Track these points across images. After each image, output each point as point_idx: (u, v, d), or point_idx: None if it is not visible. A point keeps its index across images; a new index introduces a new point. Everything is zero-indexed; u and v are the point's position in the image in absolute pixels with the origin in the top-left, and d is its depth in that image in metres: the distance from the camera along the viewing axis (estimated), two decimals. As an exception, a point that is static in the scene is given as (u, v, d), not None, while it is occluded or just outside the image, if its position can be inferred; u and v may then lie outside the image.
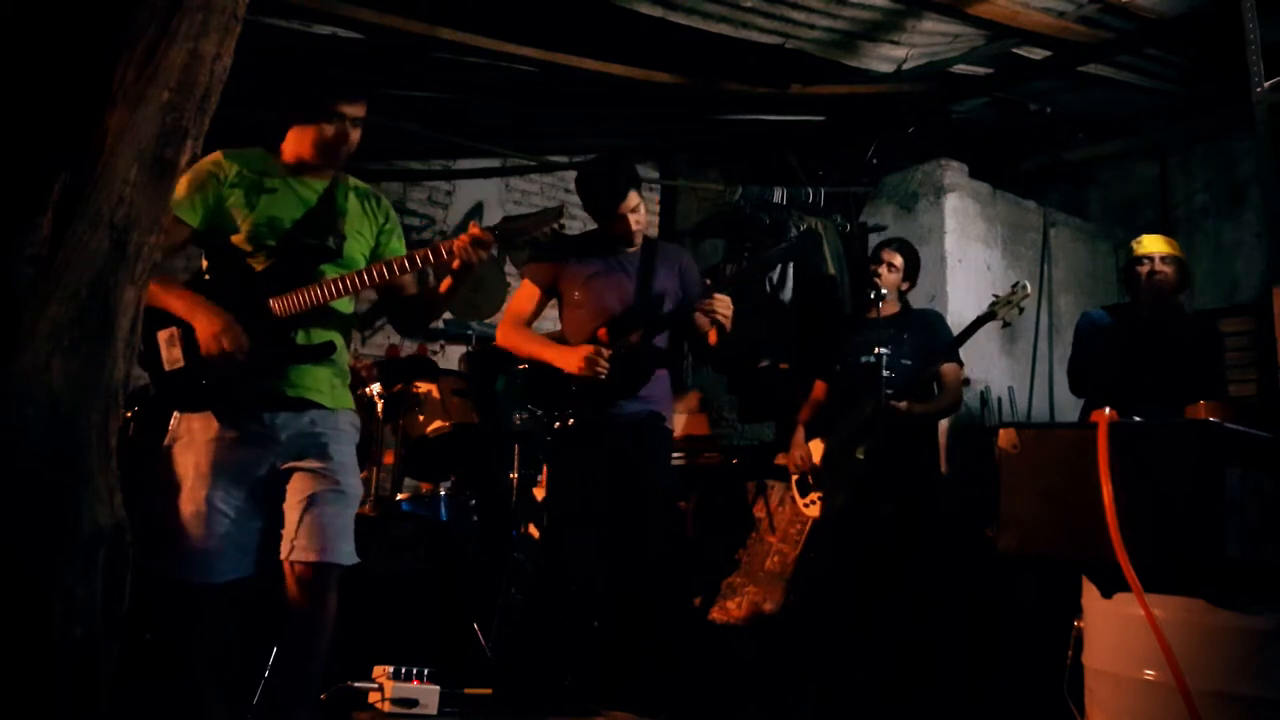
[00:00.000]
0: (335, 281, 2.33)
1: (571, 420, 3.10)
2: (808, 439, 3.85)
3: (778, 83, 4.53)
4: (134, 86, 1.41)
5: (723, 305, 3.02)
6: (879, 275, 3.77)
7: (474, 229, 2.38)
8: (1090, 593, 2.27)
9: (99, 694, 1.34)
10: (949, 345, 3.64)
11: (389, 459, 3.99)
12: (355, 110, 2.39)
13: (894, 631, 3.44)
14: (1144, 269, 3.69)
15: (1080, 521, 2.13)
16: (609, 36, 4.06)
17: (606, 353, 3.04)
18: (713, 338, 3.14)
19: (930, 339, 3.70)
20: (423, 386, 3.95)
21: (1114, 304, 4.01)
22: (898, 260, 3.83)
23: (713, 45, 4.03)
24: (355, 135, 2.42)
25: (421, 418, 3.91)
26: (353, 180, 2.54)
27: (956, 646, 3.55)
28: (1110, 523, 2.03)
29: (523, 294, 3.29)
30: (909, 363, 3.58)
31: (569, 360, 3.05)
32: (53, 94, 1.40)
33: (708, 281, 3.31)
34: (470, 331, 4.93)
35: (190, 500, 2.24)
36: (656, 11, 3.75)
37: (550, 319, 3.53)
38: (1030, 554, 2.32)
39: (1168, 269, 3.67)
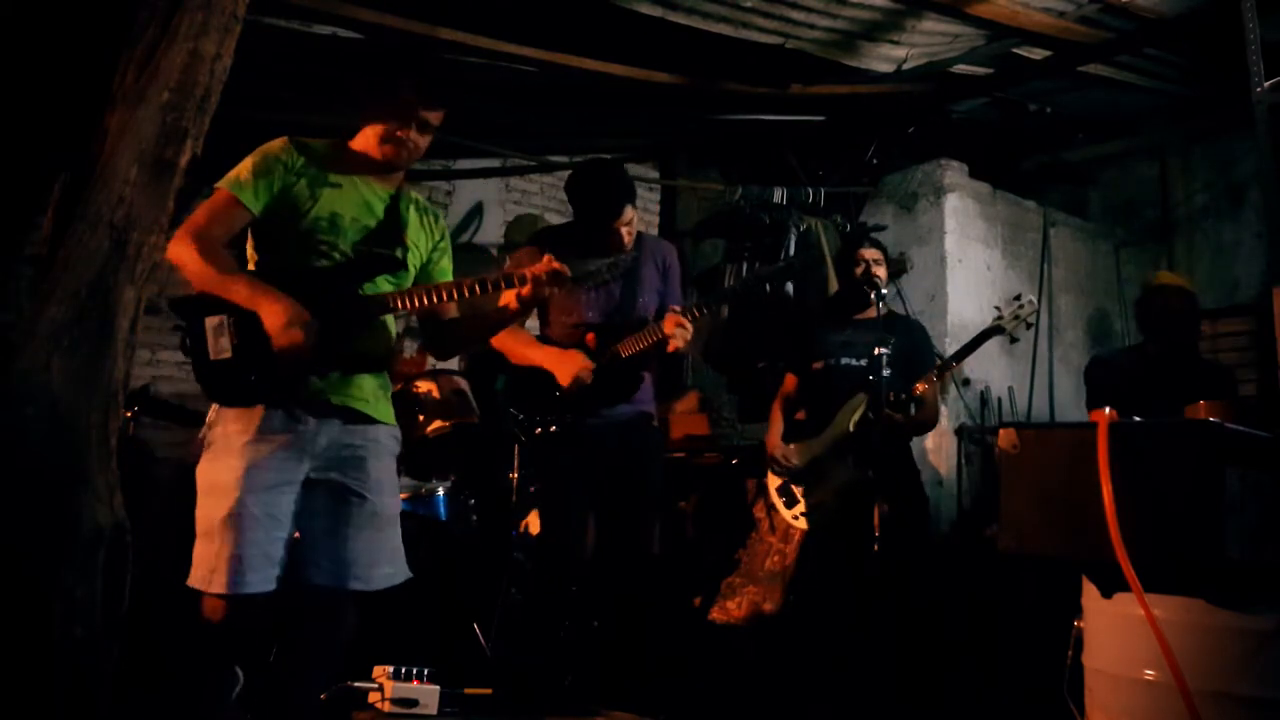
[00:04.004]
0: (428, 290, 2.27)
1: (554, 427, 3.04)
2: (787, 440, 3.70)
3: (778, 83, 4.53)
4: (134, 86, 1.41)
5: (681, 330, 2.95)
6: (876, 275, 3.61)
7: (551, 262, 2.30)
8: (1090, 593, 2.27)
9: (99, 694, 1.34)
10: (946, 360, 3.55)
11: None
12: (434, 117, 2.34)
13: (894, 631, 3.43)
14: (1156, 303, 3.69)
15: (1080, 521, 2.12)
16: (609, 36, 4.06)
17: (590, 366, 2.99)
18: (670, 347, 3.01)
19: (914, 347, 3.61)
20: (423, 386, 3.95)
21: (1123, 348, 3.98)
22: (877, 253, 3.69)
23: (713, 45, 4.02)
24: (425, 142, 2.37)
25: (421, 418, 3.90)
26: (414, 193, 2.49)
27: (956, 646, 3.54)
28: (1110, 523, 2.02)
29: None
30: (891, 371, 3.40)
31: (561, 368, 3.00)
32: (53, 94, 1.40)
33: (689, 310, 3.12)
34: (470, 331, 4.92)
35: (223, 505, 2.08)
36: (656, 11, 3.75)
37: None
38: (1030, 554, 2.32)
39: (1178, 302, 3.66)
